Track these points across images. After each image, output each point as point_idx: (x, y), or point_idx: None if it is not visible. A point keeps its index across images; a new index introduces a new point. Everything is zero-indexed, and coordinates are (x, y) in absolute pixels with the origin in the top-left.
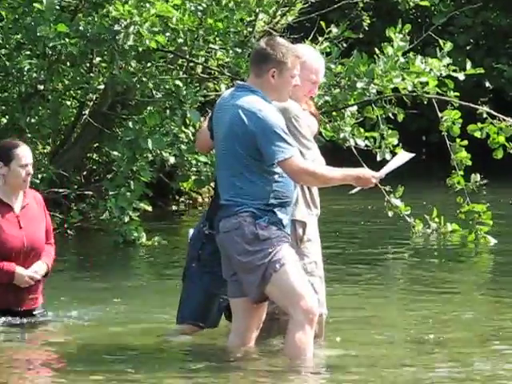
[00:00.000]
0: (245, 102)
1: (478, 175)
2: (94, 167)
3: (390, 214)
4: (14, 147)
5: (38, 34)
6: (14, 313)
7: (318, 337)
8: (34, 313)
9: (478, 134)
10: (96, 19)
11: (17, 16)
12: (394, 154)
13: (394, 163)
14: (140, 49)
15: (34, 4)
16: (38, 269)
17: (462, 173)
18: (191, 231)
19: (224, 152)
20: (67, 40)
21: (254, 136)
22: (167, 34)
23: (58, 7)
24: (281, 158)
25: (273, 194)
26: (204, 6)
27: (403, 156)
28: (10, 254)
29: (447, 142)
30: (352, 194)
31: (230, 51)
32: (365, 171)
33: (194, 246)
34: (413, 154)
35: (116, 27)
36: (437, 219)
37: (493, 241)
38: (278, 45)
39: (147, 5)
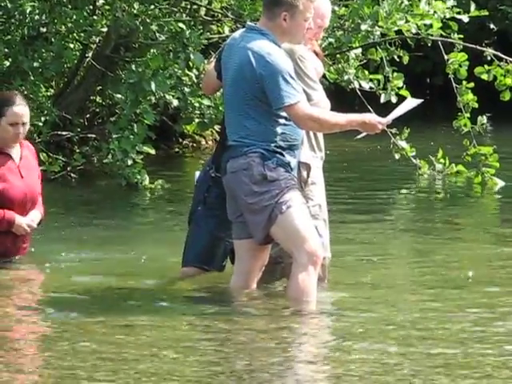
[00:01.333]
0: (255, 44)
1: (485, 117)
2: (97, 110)
3: (397, 156)
4: (8, 104)
5: None
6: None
7: (321, 280)
8: None
9: (484, 77)
10: None
11: None
12: (399, 96)
13: (401, 109)
14: None
15: None
16: (34, 217)
17: (468, 115)
18: (197, 174)
19: (232, 93)
20: None
21: (262, 79)
22: None
23: None
24: (286, 103)
25: (281, 136)
26: None
27: (410, 102)
28: (12, 203)
29: (453, 84)
30: (358, 139)
31: None
32: (371, 116)
33: (200, 189)
34: (420, 100)
35: None
36: (442, 160)
37: (500, 183)
38: None
39: None
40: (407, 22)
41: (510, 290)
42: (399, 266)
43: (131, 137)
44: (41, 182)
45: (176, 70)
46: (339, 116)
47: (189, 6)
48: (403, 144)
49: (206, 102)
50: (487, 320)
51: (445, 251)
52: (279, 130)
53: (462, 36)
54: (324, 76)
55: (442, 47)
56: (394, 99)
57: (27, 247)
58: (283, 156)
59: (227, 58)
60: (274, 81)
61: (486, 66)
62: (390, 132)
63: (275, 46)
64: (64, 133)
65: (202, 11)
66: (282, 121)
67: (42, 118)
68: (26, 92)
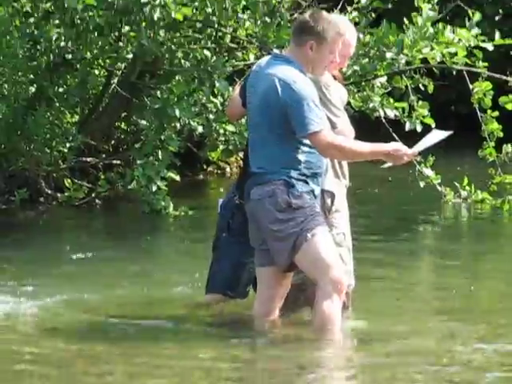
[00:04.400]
0: (280, 71)
1: (510, 146)
2: (122, 136)
3: (422, 184)
4: None
5: (66, 5)
6: None
7: (345, 308)
8: None
9: (509, 106)
10: None
11: None
12: (424, 124)
13: (429, 140)
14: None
15: None
16: None
17: (493, 144)
18: (220, 201)
19: (257, 120)
20: (95, 12)
21: (286, 107)
22: (195, 3)
23: None
24: (310, 131)
25: (305, 164)
26: None
27: (438, 133)
28: None
29: (478, 113)
30: (384, 168)
31: (259, 21)
32: (397, 146)
33: (224, 216)
34: (449, 132)
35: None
36: (467, 187)
37: None
38: (321, 18)
39: None
40: (432, 49)
41: None
42: (423, 294)
43: (156, 163)
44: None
45: (201, 96)
46: (364, 145)
47: (214, 33)
48: (428, 172)
49: (230, 128)
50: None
51: (468, 280)
52: (303, 157)
53: (486, 64)
54: (349, 104)
55: (466, 76)
56: (419, 128)
57: None
58: (307, 183)
59: (252, 84)
60: (298, 108)
61: (510, 96)
62: (415, 160)
63: (301, 73)
64: (89, 159)
65: (228, 38)
66: (306, 148)
67: (67, 144)
68: (51, 118)
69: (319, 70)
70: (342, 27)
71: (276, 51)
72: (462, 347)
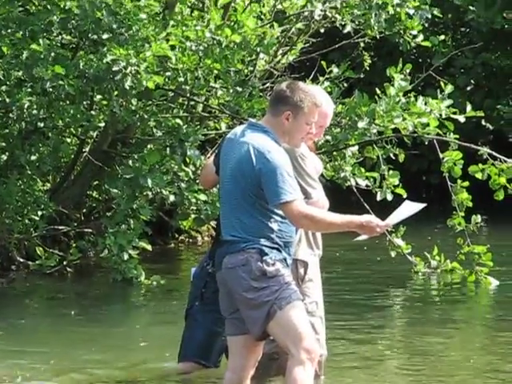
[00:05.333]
0: (255, 141)
1: (479, 216)
2: (94, 205)
3: (393, 253)
4: None
5: (34, 73)
6: None
7: (317, 377)
8: None
9: (479, 176)
10: (95, 60)
11: (17, 52)
12: (395, 194)
13: (402, 213)
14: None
15: (31, 46)
16: None
17: (462, 214)
18: (193, 270)
19: (230, 188)
20: (65, 81)
21: (260, 175)
22: (168, 73)
23: (58, 44)
24: (282, 201)
25: (277, 233)
26: (205, 45)
27: (412, 206)
28: None
29: (448, 182)
30: (356, 241)
31: (231, 90)
32: (369, 218)
33: (197, 285)
34: (423, 205)
35: (114, 68)
36: (437, 257)
37: (494, 282)
38: (298, 89)
39: (145, 45)
40: (404, 120)
41: None
42: (396, 365)
43: (127, 232)
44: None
45: (173, 165)
46: (336, 216)
47: (186, 102)
48: (399, 242)
49: (202, 197)
50: None
51: (441, 347)
52: (276, 226)
53: (457, 136)
54: (321, 173)
55: (437, 146)
56: (389, 197)
57: None
58: (280, 252)
59: (226, 152)
60: (271, 178)
61: (480, 165)
62: (386, 230)
63: (275, 144)
64: (60, 227)
65: (199, 107)
66: (278, 218)
67: (39, 212)
68: (22, 186)
69: (295, 141)
70: (318, 98)
71: (252, 120)
72: None
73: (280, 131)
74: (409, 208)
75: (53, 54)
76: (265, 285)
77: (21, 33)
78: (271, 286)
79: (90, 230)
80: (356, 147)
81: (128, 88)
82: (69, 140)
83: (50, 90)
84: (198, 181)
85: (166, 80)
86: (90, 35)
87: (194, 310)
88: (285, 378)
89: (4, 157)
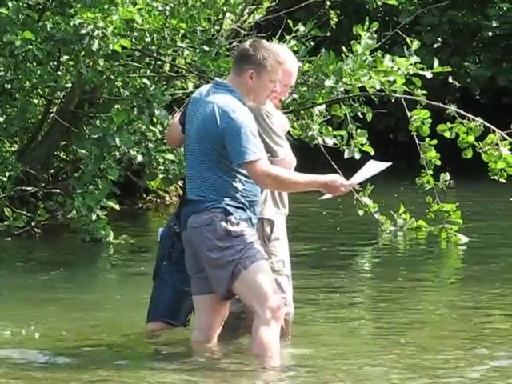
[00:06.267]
0: (220, 100)
1: (448, 174)
2: (62, 165)
3: (361, 212)
4: None
5: (5, 40)
6: None
7: (284, 335)
8: None
9: (447, 134)
10: (62, 23)
11: None
12: (362, 152)
13: (367, 172)
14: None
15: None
16: None
17: (431, 172)
18: (161, 230)
19: (195, 147)
20: (33, 45)
21: (224, 134)
22: (134, 33)
23: (25, 5)
24: (246, 160)
25: (242, 192)
26: (171, 5)
27: (377, 165)
28: None
29: (416, 141)
30: (322, 199)
31: (197, 50)
32: (334, 178)
33: (165, 245)
34: (388, 164)
35: (82, 31)
36: (403, 215)
37: (464, 239)
38: (261, 47)
39: (112, 7)
40: (371, 78)
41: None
42: (363, 321)
43: (95, 192)
44: None
45: (140, 125)
46: (300, 176)
47: (153, 62)
48: (367, 200)
49: (170, 157)
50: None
51: (405, 300)
52: (240, 186)
53: (425, 92)
54: (288, 132)
55: (405, 104)
56: (357, 156)
57: None
58: (245, 211)
59: (192, 111)
60: (235, 137)
61: (448, 124)
62: (354, 188)
63: (240, 103)
64: (28, 188)
65: (166, 67)
66: (242, 177)
67: (7, 173)
68: None
69: (260, 99)
70: (282, 55)
71: (217, 79)
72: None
73: (244, 90)
74: (374, 167)
75: (21, 17)
76: (229, 244)
77: None
78: (236, 246)
79: (57, 191)
80: (323, 106)
81: (95, 50)
82: (36, 101)
83: (17, 51)
84: (165, 141)
85: (133, 40)
86: None
87: (162, 270)
88: (251, 338)
89: None
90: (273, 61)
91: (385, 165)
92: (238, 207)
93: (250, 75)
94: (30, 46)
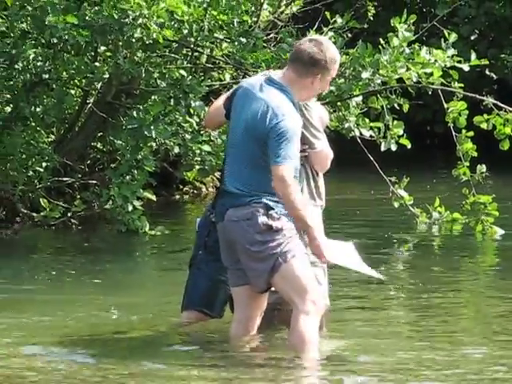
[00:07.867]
0: (272, 100)
1: (484, 166)
2: (98, 156)
3: (396, 204)
4: None
5: (47, 23)
6: None
7: (320, 328)
8: None
9: (484, 126)
10: (105, 10)
11: (23, 4)
12: (399, 144)
13: (349, 262)
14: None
15: None
16: None
17: (467, 164)
18: (198, 220)
19: (241, 141)
20: (75, 31)
21: (268, 133)
22: (174, 24)
23: None
24: (277, 164)
25: None
26: None
27: (365, 268)
28: None
29: (453, 133)
30: None
31: (235, 42)
32: (321, 244)
33: (201, 234)
34: (380, 277)
35: (125, 19)
36: (439, 209)
37: (500, 231)
38: (327, 50)
39: None
40: (408, 70)
41: None
42: (400, 313)
43: (132, 183)
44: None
45: (177, 116)
46: (306, 210)
47: (190, 54)
48: (402, 193)
49: (206, 148)
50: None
51: (444, 300)
52: None
53: (462, 85)
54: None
55: (442, 96)
56: (393, 147)
57: None
58: (284, 206)
59: (241, 103)
60: (276, 140)
61: (485, 115)
62: (390, 180)
63: (291, 105)
64: (65, 179)
65: (204, 58)
66: None
67: (43, 164)
68: (27, 138)
69: (311, 98)
70: (338, 56)
71: (270, 74)
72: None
73: (301, 89)
74: (360, 266)
75: (63, 2)
76: (270, 238)
77: None
78: (276, 240)
79: (94, 182)
80: (360, 98)
81: (135, 40)
82: (73, 92)
83: (55, 41)
84: (202, 132)
85: (172, 33)
86: None
87: (198, 259)
88: (290, 330)
89: (8, 109)
90: (334, 63)
91: (374, 274)
92: (278, 202)
93: (316, 79)
94: (71, 31)
